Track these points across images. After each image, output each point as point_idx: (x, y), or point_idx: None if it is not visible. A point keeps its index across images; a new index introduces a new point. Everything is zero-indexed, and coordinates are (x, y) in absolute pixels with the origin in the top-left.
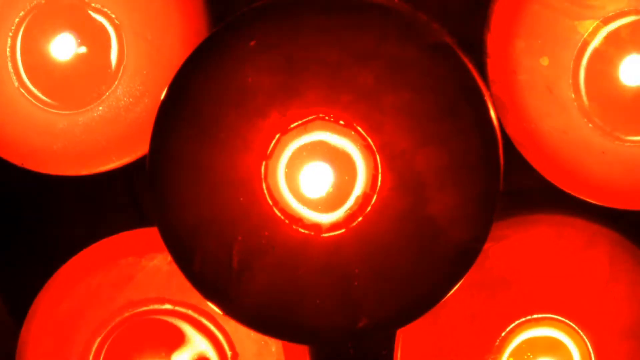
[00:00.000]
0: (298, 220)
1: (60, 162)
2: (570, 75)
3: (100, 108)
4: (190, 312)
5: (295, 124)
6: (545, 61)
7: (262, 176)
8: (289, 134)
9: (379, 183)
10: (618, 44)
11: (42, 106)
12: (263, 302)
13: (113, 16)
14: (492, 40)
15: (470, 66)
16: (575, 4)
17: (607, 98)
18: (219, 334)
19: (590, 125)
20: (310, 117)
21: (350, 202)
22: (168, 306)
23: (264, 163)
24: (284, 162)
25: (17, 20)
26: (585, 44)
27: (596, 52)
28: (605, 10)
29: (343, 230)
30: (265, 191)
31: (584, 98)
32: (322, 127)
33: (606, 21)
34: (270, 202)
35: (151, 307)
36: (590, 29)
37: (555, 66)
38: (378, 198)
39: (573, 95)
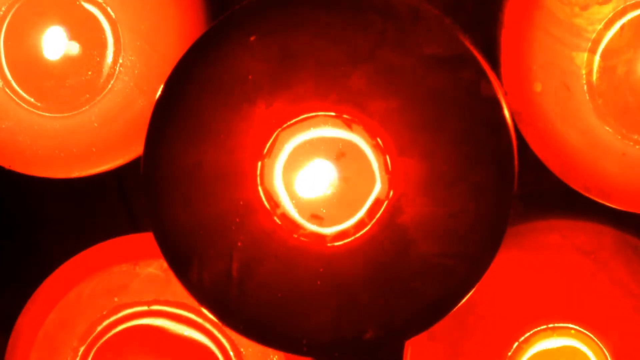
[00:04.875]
0: (299, 227)
1: (49, 164)
2: (585, 76)
3: (93, 110)
4: (191, 316)
5: (296, 119)
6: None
7: (258, 177)
8: (288, 130)
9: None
10: (634, 41)
11: (29, 108)
12: (265, 312)
13: (108, 9)
14: (505, 42)
15: (487, 69)
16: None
17: (623, 99)
18: (223, 339)
19: (606, 127)
20: (320, 114)
21: (364, 210)
22: (166, 308)
23: (260, 163)
24: (282, 161)
25: (0, 13)
26: (599, 38)
27: (610, 50)
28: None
29: (350, 239)
30: (262, 194)
31: (599, 99)
32: (326, 123)
33: (622, 13)
34: (268, 207)
35: (148, 308)
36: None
37: (569, 67)
38: (387, 205)
39: (588, 97)
